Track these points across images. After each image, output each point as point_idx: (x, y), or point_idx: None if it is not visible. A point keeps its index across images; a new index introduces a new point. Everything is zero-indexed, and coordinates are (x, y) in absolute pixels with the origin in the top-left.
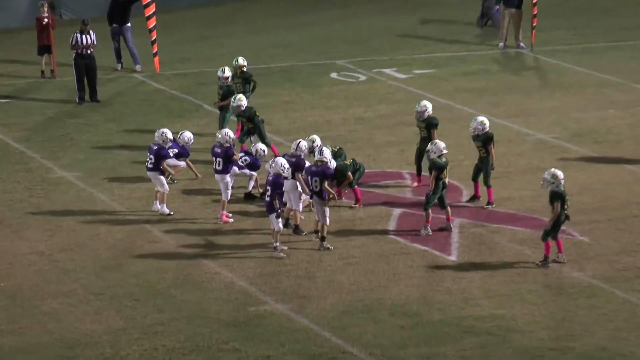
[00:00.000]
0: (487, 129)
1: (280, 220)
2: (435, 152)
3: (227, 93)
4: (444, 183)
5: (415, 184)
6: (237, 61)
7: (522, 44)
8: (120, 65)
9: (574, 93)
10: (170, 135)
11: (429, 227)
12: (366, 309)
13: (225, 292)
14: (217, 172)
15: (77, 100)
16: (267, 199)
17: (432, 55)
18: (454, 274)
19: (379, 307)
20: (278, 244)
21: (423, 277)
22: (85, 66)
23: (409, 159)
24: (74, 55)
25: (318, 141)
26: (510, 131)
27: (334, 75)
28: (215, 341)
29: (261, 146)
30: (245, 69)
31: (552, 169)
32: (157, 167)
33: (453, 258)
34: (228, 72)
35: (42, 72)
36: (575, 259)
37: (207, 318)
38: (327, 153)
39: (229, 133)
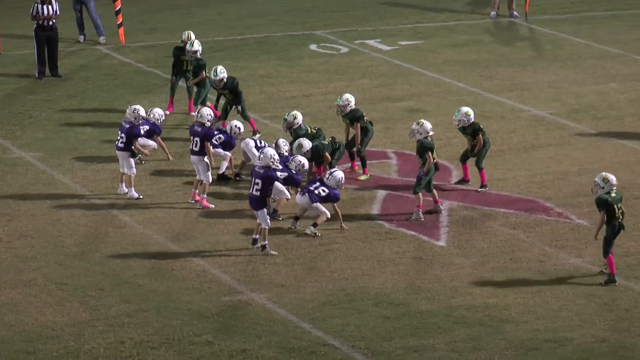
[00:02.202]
0: (472, 119)
1: (268, 217)
2: (421, 133)
3: (197, 67)
4: (435, 164)
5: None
6: (189, 36)
7: (515, 13)
8: (82, 37)
9: (572, 65)
10: (143, 112)
11: (420, 212)
12: (349, 299)
13: (197, 281)
14: (194, 153)
15: (36, 75)
16: (256, 193)
17: (418, 25)
18: (443, 260)
19: (362, 296)
20: (267, 242)
21: (410, 264)
22: (46, 38)
23: (394, 137)
24: (34, 26)
25: (300, 118)
26: (504, 107)
27: (313, 47)
28: (186, 334)
29: (236, 123)
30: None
31: (604, 173)
32: (129, 147)
33: (442, 244)
34: (197, 46)
35: None
36: (573, 244)
37: (177, 309)
38: (270, 152)
39: (209, 111)
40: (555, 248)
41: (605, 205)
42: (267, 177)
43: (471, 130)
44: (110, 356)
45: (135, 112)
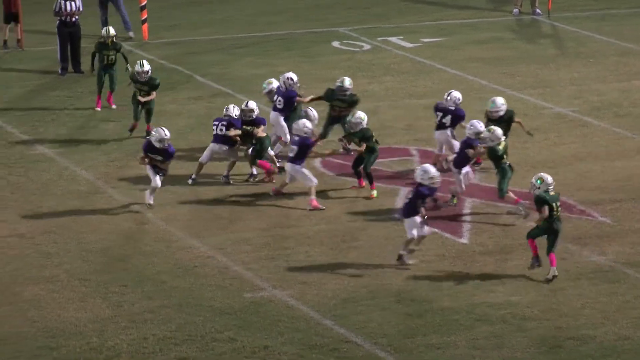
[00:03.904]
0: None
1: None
2: (492, 140)
3: (152, 88)
4: (510, 166)
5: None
6: (109, 31)
7: (538, 10)
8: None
9: (594, 63)
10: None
11: (522, 204)
12: (371, 296)
13: (219, 278)
14: (291, 160)
15: (59, 71)
16: (407, 201)
17: (441, 22)
18: (466, 257)
19: (384, 293)
20: (402, 251)
21: (432, 261)
22: (69, 35)
23: (416, 134)
24: (57, 23)
25: (274, 84)
26: (526, 104)
27: (335, 44)
28: (208, 330)
29: (289, 75)
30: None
31: (541, 173)
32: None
33: (464, 241)
34: (147, 66)
35: (5, 42)
36: (596, 241)
37: (199, 305)
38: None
39: (306, 123)
40: (578, 245)
41: (544, 202)
42: (419, 194)
43: (507, 118)
44: (133, 352)
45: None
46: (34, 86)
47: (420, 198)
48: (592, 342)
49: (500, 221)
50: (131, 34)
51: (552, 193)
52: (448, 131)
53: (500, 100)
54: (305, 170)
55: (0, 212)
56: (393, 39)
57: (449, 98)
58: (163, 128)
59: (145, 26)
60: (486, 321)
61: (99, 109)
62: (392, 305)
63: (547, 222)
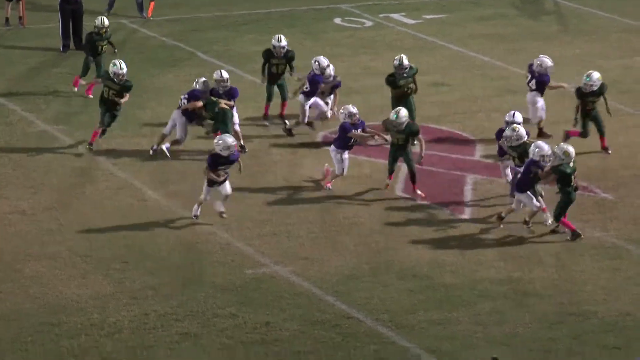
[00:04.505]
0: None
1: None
2: (518, 139)
3: (124, 89)
4: (575, 188)
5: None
6: (103, 21)
7: None
8: (108, 10)
9: (597, 39)
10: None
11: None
12: (373, 272)
13: (221, 255)
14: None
15: (61, 49)
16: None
17: None
18: (468, 234)
19: (386, 270)
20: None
21: (434, 237)
22: (71, 12)
23: (418, 110)
24: (59, 0)
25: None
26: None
27: (337, 20)
28: (210, 306)
29: (318, 59)
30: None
31: (564, 145)
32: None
33: (466, 217)
34: (125, 67)
35: (7, 19)
36: (598, 218)
37: (201, 282)
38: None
39: (349, 108)
40: (580, 222)
41: (564, 175)
42: (341, 128)
43: (599, 92)
44: (134, 328)
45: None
46: (35, 64)
47: (534, 173)
48: (593, 318)
49: (501, 198)
50: (144, 14)
51: (571, 164)
52: (532, 94)
53: (596, 75)
54: (339, 157)
55: (1, 189)
56: (395, 16)
57: (538, 62)
58: (227, 135)
59: (152, 4)
60: (488, 297)
61: (90, 95)
62: (394, 282)
63: (566, 195)
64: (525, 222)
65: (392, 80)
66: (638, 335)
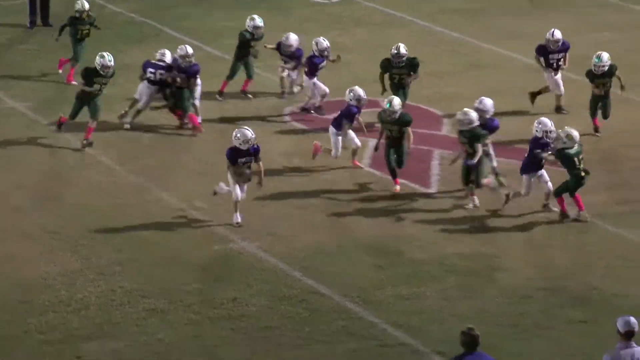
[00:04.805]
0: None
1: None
2: (469, 123)
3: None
4: (586, 171)
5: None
6: (84, 5)
7: None
8: None
9: (568, 14)
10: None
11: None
12: (340, 248)
13: (189, 231)
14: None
15: (28, 25)
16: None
17: None
18: (435, 209)
19: (354, 245)
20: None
21: (402, 212)
22: None
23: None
24: None
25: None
26: (498, 56)
27: None
28: (177, 282)
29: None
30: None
31: (568, 129)
32: None
33: (433, 191)
34: (112, 59)
35: None
36: (566, 193)
37: (168, 258)
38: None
39: (356, 90)
40: (551, 197)
41: (568, 159)
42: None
43: (609, 73)
44: (102, 304)
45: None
46: (3, 40)
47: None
48: (562, 292)
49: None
50: None
51: (576, 147)
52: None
53: (606, 56)
54: (336, 139)
55: None
56: None
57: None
58: (246, 128)
59: None
60: (456, 272)
61: (74, 82)
62: (361, 257)
63: (574, 177)
64: (544, 206)
65: (385, 64)
66: (605, 309)
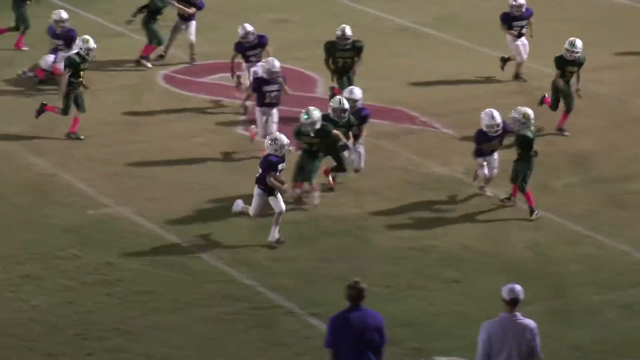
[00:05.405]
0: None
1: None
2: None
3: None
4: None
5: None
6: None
7: None
8: None
9: None
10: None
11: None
12: (215, 211)
13: (62, 195)
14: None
15: None
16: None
17: None
18: None
19: (228, 208)
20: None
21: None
22: None
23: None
24: None
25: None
26: (367, 16)
27: None
28: (51, 248)
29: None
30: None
31: (522, 108)
32: None
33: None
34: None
35: None
36: (439, 152)
37: (42, 223)
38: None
39: (272, 61)
40: (421, 157)
41: (528, 142)
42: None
43: (579, 62)
44: None
45: None
46: None
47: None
48: (434, 251)
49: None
50: None
51: (532, 128)
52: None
53: (580, 43)
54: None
55: None
56: None
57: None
58: (280, 134)
59: None
60: (331, 234)
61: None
62: (236, 220)
63: (527, 161)
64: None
65: (328, 47)
66: (477, 268)
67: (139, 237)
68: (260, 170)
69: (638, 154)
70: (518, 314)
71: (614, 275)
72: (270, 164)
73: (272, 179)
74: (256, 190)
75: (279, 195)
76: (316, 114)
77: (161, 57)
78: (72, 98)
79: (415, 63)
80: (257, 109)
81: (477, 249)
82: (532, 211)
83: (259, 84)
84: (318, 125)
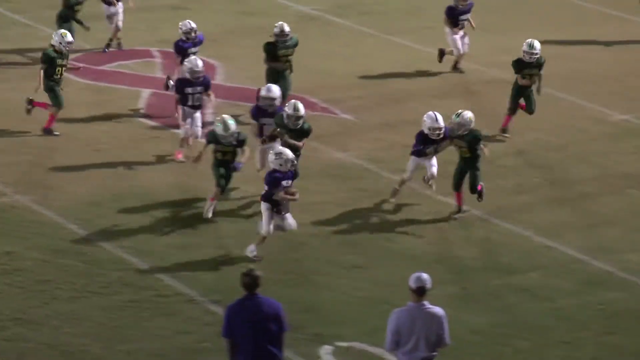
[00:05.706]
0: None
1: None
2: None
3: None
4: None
5: None
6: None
7: None
8: None
9: None
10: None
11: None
12: (115, 199)
13: None
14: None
15: None
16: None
17: None
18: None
19: (129, 196)
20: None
21: (173, 161)
22: None
23: (159, 35)
24: None
25: (69, 36)
26: (269, 3)
27: None
28: None
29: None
30: None
31: (467, 113)
32: None
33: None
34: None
35: None
36: (339, 139)
37: None
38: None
39: (195, 60)
40: (322, 143)
41: (477, 141)
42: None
43: (538, 64)
44: None
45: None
46: None
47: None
48: (336, 237)
49: (240, 120)
50: None
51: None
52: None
53: (538, 44)
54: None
55: None
56: None
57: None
58: (284, 148)
59: None
60: (232, 221)
61: None
62: (137, 208)
63: (468, 159)
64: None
65: (270, 48)
66: (378, 254)
67: (39, 226)
68: (265, 188)
69: (538, 138)
70: (426, 302)
71: (513, 259)
72: (274, 181)
73: (282, 194)
74: (263, 206)
75: (287, 214)
76: (232, 124)
77: (108, 46)
78: (58, 90)
79: (314, 49)
80: (180, 107)
81: (379, 235)
82: (459, 210)
83: (181, 84)
84: (236, 135)
